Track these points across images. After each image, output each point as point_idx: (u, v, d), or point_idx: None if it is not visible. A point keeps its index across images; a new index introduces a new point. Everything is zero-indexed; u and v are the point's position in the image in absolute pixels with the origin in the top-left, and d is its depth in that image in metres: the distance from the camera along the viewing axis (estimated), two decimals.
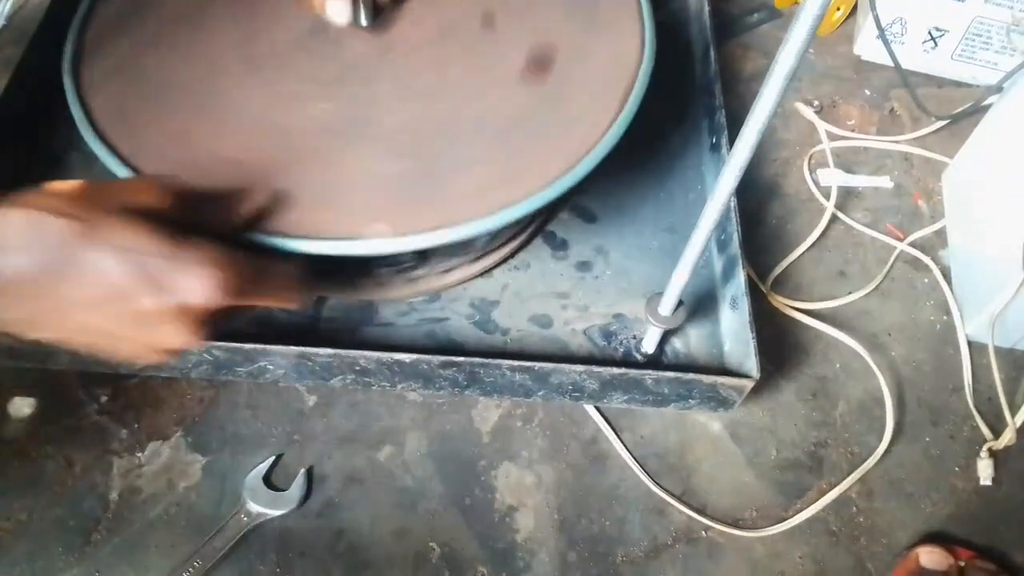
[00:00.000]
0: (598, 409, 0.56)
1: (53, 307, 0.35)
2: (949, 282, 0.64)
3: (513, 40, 0.58)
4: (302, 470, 0.53)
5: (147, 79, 0.54)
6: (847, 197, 0.69)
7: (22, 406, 0.54)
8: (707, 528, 0.53)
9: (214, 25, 0.57)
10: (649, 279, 0.60)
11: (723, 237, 0.59)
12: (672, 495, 0.54)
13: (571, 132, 0.52)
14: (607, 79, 0.55)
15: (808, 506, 0.54)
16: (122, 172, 0.47)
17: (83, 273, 0.34)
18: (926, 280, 0.65)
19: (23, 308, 0.35)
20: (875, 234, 0.67)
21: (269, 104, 0.54)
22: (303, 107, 0.54)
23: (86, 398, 0.55)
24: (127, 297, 0.35)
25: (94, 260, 0.34)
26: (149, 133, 0.50)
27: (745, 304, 0.53)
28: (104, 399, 0.55)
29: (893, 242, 0.66)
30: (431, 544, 0.51)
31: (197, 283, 0.35)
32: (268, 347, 0.50)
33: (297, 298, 0.42)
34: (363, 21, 0.57)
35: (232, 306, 0.37)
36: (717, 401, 0.54)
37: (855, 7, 0.80)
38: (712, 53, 0.67)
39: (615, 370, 0.50)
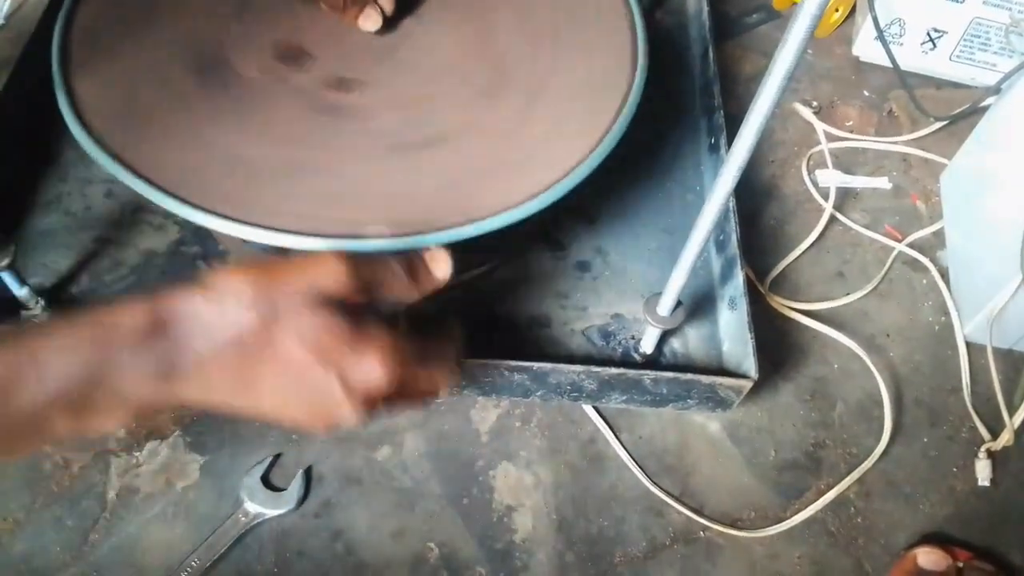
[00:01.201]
0: (596, 409, 0.56)
1: (245, 387, 0.37)
2: (947, 283, 0.64)
3: (508, 49, 0.59)
4: (300, 470, 0.53)
5: (143, 76, 0.54)
6: (845, 198, 0.69)
7: None
8: (705, 528, 0.53)
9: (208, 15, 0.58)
10: (647, 279, 0.60)
11: (721, 237, 0.59)
12: (670, 495, 0.54)
13: (565, 141, 0.52)
14: (597, 91, 0.56)
15: (806, 507, 0.54)
16: (119, 172, 0.47)
17: (271, 359, 0.36)
18: (924, 281, 0.65)
19: (222, 387, 0.37)
20: (873, 235, 0.67)
21: (273, 100, 0.54)
22: (303, 100, 0.54)
23: None
24: (309, 380, 0.37)
25: (282, 348, 0.36)
26: (148, 132, 0.50)
27: (743, 304, 0.53)
28: None
29: (891, 243, 0.66)
30: (429, 544, 0.51)
31: (371, 372, 0.37)
32: None
33: (452, 380, 0.44)
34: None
35: (398, 390, 0.39)
36: (715, 401, 0.54)
37: (854, 8, 0.80)
38: (711, 54, 0.67)
39: (613, 370, 0.50)
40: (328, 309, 0.37)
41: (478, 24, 0.61)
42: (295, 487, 0.52)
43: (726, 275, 0.58)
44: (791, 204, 0.69)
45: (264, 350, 0.36)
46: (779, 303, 0.62)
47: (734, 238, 0.56)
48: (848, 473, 0.55)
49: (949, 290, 0.63)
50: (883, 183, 0.71)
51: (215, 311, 0.36)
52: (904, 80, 0.71)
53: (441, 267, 0.42)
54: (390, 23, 0.59)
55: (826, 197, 0.68)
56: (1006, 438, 0.56)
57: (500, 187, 0.50)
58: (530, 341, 0.56)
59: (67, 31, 0.54)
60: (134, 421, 0.39)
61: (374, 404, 0.38)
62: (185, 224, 0.59)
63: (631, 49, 0.58)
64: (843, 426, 0.58)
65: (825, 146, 0.71)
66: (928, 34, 0.74)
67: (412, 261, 0.42)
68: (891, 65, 0.71)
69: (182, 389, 0.36)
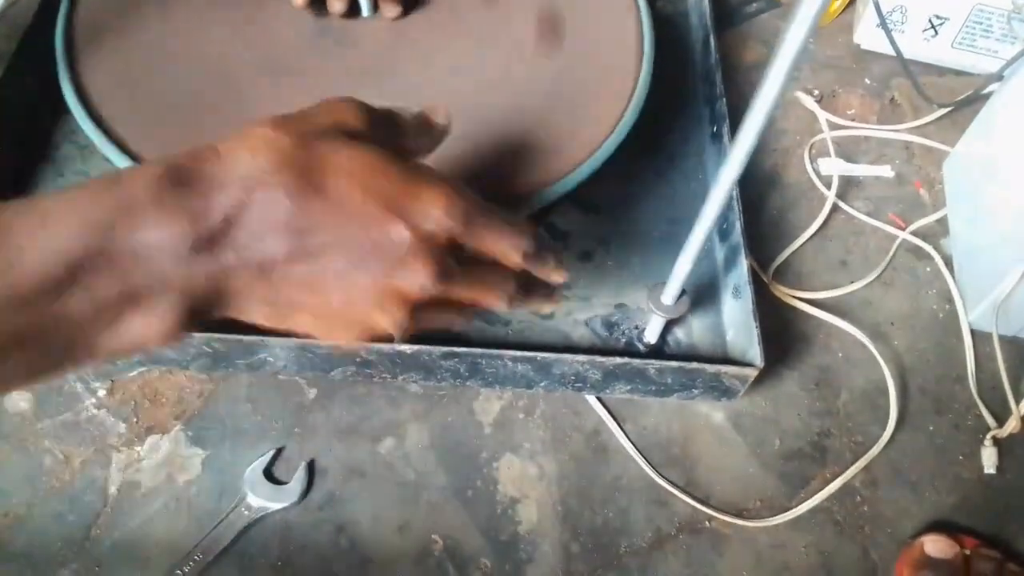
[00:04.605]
0: (600, 400, 0.56)
1: (295, 244, 0.31)
2: (951, 271, 0.64)
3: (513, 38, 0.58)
4: (303, 463, 0.52)
5: (146, 62, 0.53)
6: (848, 186, 0.69)
7: (19, 400, 0.54)
8: (710, 519, 0.53)
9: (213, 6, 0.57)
10: (651, 269, 0.59)
11: (725, 226, 0.59)
12: (675, 486, 0.53)
13: (574, 132, 0.52)
14: (607, 80, 0.55)
15: (812, 496, 0.54)
16: (120, 160, 0.47)
17: (322, 207, 0.30)
18: (928, 269, 0.64)
19: (270, 248, 0.31)
20: (876, 223, 0.66)
21: (281, 89, 0.54)
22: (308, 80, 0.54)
23: (84, 392, 0.54)
24: (372, 227, 0.31)
25: (333, 192, 0.31)
26: (152, 120, 0.50)
27: (748, 292, 0.53)
28: (102, 393, 0.55)
29: (895, 231, 0.66)
30: (434, 537, 0.51)
31: (443, 216, 0.32)
32: (268, 339, 0.50)
33: (529, 242, 0.36)
34: (364, 12, 0.57)
35: (448, 290, 0.34)
36: (720, 390, 0.54)
37: None
38: (712, 42, 0.67)
39: (618, 360, 0.50)
40: (369, 146, 0.32)
41: (484, 14, 0.60)
42: (298, 480, 0.52)
43: (730, 264, 0.57)
44: (793, 193, 0.68)
45: (311, 196, 0.30)
46: (782, 292, 0.62)
47: (738, 227, 0.56)
48: (854, 462, 0.55)
49: (953, 278, 0.63)
50: (886, 171, 0.70)
51: (244, 158, 0.30)
52: (906, 68, 0.71)
53: (441, 114, 0.39)
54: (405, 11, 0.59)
55: (828, 186, 0.68)
56: (1012, 425, 0.56)
57: (507, 179, 0.50)
58: (533, 331, 0.56)
59: (70, 21, 0.54)
60: (186, 328, 0.31)
61: (445, 266, 0.33)
62: None
63: (636, 37, 0.57)
64: (848, 415, 0.57)
65: (827, 134, 0.71)
66: (930, 21, 0.73)
67: (412, 112, 0.38)
68: (893, 53, 0.71)
69: (223, 259, 0.30)
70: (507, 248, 0.36)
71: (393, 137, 0.36)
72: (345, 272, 0.32)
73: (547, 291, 0.41)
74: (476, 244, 0.34)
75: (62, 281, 0.28)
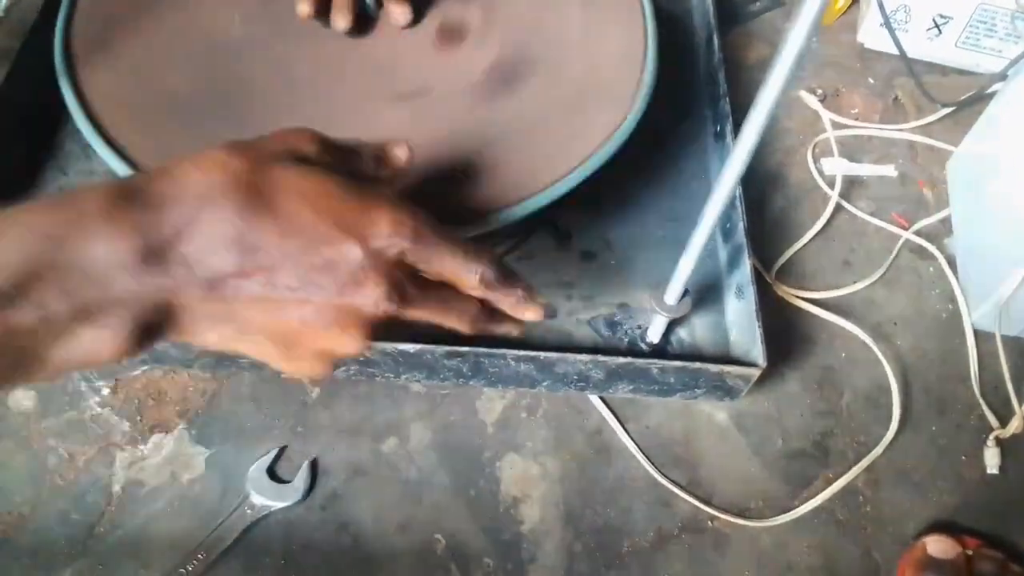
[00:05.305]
0: (603, 400, 0.56)
1: (245, 258, 0.31)
2: (955, 271, 0.64)
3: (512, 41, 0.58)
4: (306, 462, 0.52)
5: (149, 66, 0.53)
6: (851, 186, 0.69)
7: (23, 399, 0.54)
8: (713, 518, 0.53)
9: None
10: (654, 268, 0.59)
11: (728, 226, 0.59)
12: (678, 485, 0.54)
13: (578, 131, 0.52)
14: (611, 80, 0.55)
15: (814, 496, 0.54)
16: (118, 165, 0.47)
17: (271, 225, 0.30)
18: (931, 269, 0.64)
19: (217, 265, 0.31)
20: (880, 223, 0.66)
21: (281, 89, 0.54)
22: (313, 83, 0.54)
23: (87, 390, 0.55)
24: (322, 246, 0.31)
25: (283, 210, 0.31)
26: (155, 125, 0.50)
27: (751, 292, 0.53)
28: (106, 392, 0.55)
29: (898, 231, 0.66)
30: (436, 536, 0.51)
31: (393, 219, 0.32)
32: None
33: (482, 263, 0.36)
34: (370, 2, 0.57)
35: (408, 303, 0.34)
36: (723, 390, 0.54)
37: None
38: (716, 41, 0.67)
39: (621, 359, 0.50)
40: (321, 169, 0.33)
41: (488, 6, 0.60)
42: (301, 479, 0.52)
43: (733, 264, 0.57)
44: (797, 192, 0.68)
45: (261, 215, 0.31)
46: (785, 292, 0.62)
47: (741, 226, 0.56)
48: (856, 462, 0.55)
49: (957, 278, 0.63)
50: (889, 171, 0.70)
51: (196, 177, 0.31)
52: (910, 67, 0.71)
53: (402, 148, 0.40)
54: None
55: (832, 185, 0.68)
56: (1015, 426, 0.56)
57: (513, 177, 0.50)
58: (536, 331, 0.56)
59: (69, 21, 0.54)
60: (137, 344, 0.31)
61: (399, 283, 0.33)
62: None
63: (641, 35, 0.57)
64: (851, 415, 0.57)
65: (831, 134, 0.71)
66: (934, 20, 0.73)
67: (373, 145, 0.39)
68: (896, 52, 0.71)
69: (172, 274, 0.30)
70: (460, 270, 0.36)
71: (350, 165, 0.37)
72: (297, 290, 0.32)
73: (515, 322, 0.40)
74: (427, 264, 0.35)
75: (11, 295, 0.28)
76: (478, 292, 0.37)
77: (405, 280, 0.33)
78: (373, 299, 0.32)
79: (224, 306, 0.32)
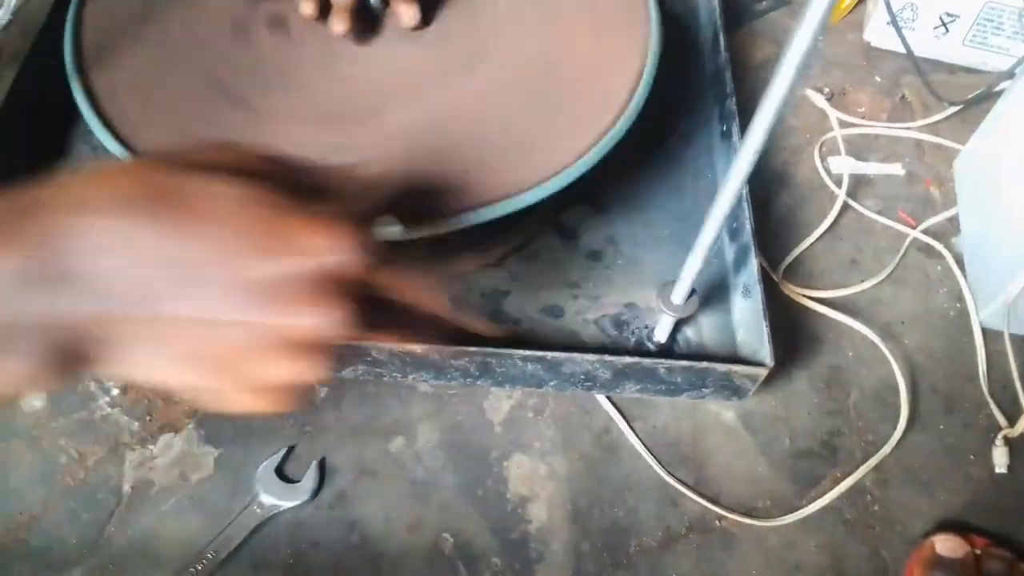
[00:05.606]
0: (610, 399, 0.56)
1: (153, 288, 0.28)
2: (963, 269, 0.63)
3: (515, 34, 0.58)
4: (314, 461, 0.53)
5: (160, 67, 0.54)
6: (858, 185, 0.69)
7: (33, 399, 0.54)
8: (721, 518, 0.53)
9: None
10: (660, 268, 0.59)
11: (735, 225, 0.59)
12: (685, 485, 0.54)
13: (577, 124, 0.52)
14: (610, 75, 0.55)
15: (822, 495, 0.54)
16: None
17: (182, 244, 0.27)
18: (939, 267, 0.64)
19: (120, 289, 0.27)
20: (887, 221, 0.66)
21: (291, 95, 0.54)
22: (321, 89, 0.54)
23: (98, 391, 0.55)
24: (249, 267, 0.28)
25: (200, 224, 0.27)
26: (166, 124, 0.50)
27: (758, 291, 0.53)
28: (115, 392, 0.55)
29: (905, 229, 0.66)
30: (444, 535, 0.51)
31: (335, 240, 0.28)
32: None
33: (436, 297, 0.35)
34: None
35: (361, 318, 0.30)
36: (731, 390, 0.54)
37: None
38: (722, 40, 0.67)
39: (628, 359, 0.50)
40: (252, 184, 0.29)
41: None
42: (309, 478, 0.52)
43: (739, 263, 0.57)
44: (804, 191, 0.68)
45: (180, 227, 0.27)
46: (792, 291, 0.62)
47: (748, 225, 0.56)
48: (864, 461, 0.55)
49: (964, 276, 0.63)
50: (896, 169, 0.70)
51: (95, 186, 0.27)
52: (917, 65, 0.71)
53: (358, 173, 0.38)
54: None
55: (839, 184, 0.68)
56: (1023, 425, 0.56)
57: (509, 171, 0.50)
58: (542, 331, 0.56)
59: (79, 22, 0.54)
60: (54, 373, 0.28)
61: (339, 304, 0.29)
62: None
63: (643, 31, 0.57)
64: (858, 414, 0.57)
65: (838, 132, 0.71)
66: (941, 19, 0.73)
67: (326, 166, 0.35)
68: (903, 50, 0.70)
69: (74, 293, 0.27)
70: (408, 288, 0.34)
71: (293, 182, 0.33)
72: (224, 312, 0.28)
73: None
74: (378, 283, 0.32)
75: None
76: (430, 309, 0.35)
77: (347, 299, 0.30)
78: (310, 322, 0.29)
79: (146, 330, 0.29)
